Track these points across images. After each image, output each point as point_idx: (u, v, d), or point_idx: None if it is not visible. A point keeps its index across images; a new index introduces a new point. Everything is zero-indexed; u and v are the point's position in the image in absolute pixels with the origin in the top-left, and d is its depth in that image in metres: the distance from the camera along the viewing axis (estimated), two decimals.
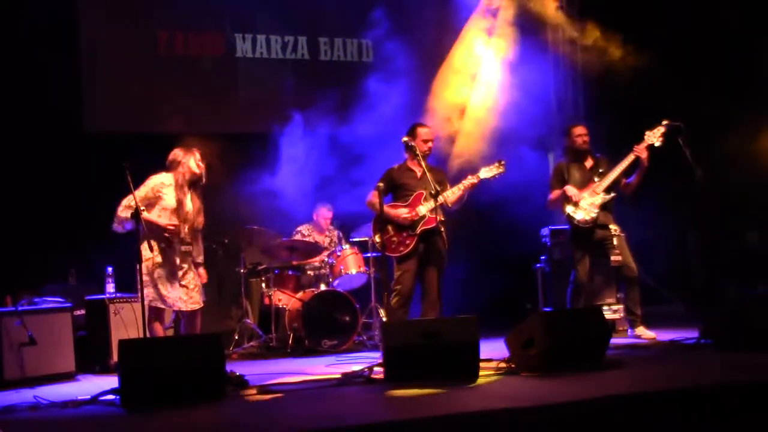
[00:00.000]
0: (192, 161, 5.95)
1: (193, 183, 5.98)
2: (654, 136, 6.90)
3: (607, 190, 7.01)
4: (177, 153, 5.98)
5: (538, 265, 8.23)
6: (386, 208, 6.48)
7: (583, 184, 7.09)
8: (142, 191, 5.82)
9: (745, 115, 8.66)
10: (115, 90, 8.40)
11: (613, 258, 6.95)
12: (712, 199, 6.85)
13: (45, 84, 7.93)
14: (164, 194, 5.86)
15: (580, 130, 7.23)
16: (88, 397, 5.13)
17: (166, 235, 5.81)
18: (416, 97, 8.48)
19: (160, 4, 8.76)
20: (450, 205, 6.50)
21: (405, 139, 6.52)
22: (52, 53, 8.01)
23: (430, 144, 6.59)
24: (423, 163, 6.37)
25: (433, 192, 6.21)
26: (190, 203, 5.93)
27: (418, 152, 6.39)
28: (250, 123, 8.99)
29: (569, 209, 7.05)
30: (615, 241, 6.97)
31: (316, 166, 8.29)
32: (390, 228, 6.49)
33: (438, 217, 6.36)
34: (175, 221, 5.83)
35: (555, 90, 9.52)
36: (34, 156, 7.81)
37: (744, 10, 8.74)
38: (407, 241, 6.47)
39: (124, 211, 5.76)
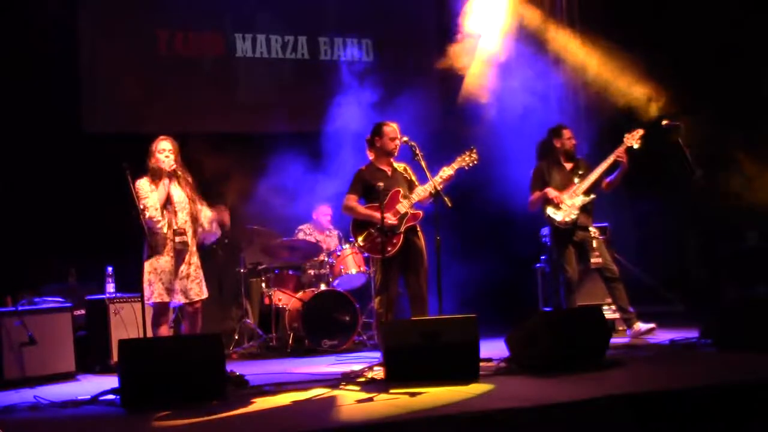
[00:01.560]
0: (157, 154, 5.86)
1: (171, 175, 5.87)
2: (633, 139, 6.96)
3: (587, 192, 7.05)
4: (150, 148, 5.91)
5: (538, 265, 8.23)
6: (367, 211, 6.38)
7: (563, 186, 7.13)
8: (153, 196, 5.80)
9: (745, 116, 8.67)
10: (116, 90, 8.39)
11: (592, 260, 6.98)
12: (711, 198, 6.84)
13: (45, 84, 7.92)
14: (148, 196, 5.83)
15: (569, 133, 7.28)
16: (88, 397, 5.14)
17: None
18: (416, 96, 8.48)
19: (160, 4, 8.76)
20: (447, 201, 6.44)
21: (369, 138, 6.50)
22: (52, 53, 8.00)
23: (397, 142, 6.45)
24: (423, 162, 6.33)
25: (433, 191, 6.20)
26: (179, 194, 5.88)
27: (418, 152, 6.35)
28: (250, 123, 8.99)
29: (549, 210, 7.10)
30: (594, 243, 7.00)
31: (317, 165, 8.29)
32: (372, 229, 6.37)
33: (419, 214, 6.40)
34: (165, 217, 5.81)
35: (555, 89, 9.50)
36: (34, 156, 7.80)
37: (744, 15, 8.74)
38: (394, 240, 6.35)
39: (145, 212, 5.73)
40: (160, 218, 5.77)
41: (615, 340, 6.34)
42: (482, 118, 8.77)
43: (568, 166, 7.22)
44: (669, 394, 4.58)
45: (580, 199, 7.03)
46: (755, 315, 6.00)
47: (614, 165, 7.00)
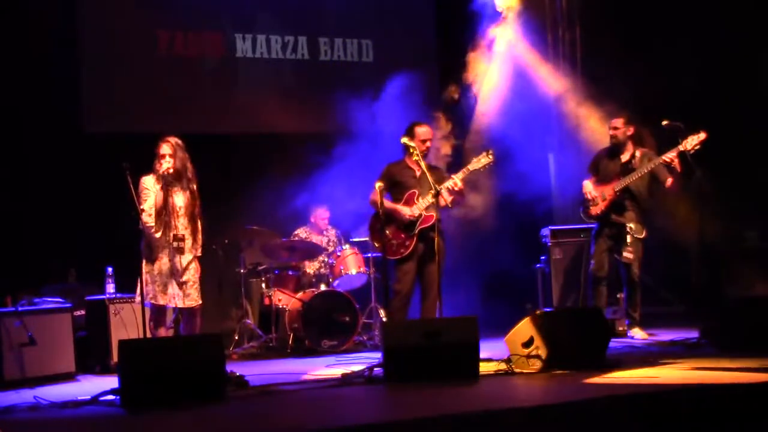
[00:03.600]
0: (160, 159, 5.83)
1: (174, 177, 5.85)
2: (690, 143, 6.67)
3: (625, 190, 6.97)
4: (158, 148, 5.89)
5: (538, 265, 8.23)
6: (389, 205, 6.47)
7: (607, 179, 7.09)
8: (150, 200, 5.80)
9: (744, 114, 8.67)
10: (115, 90, 8.39)
11: (624, 254, 6.90)
12: (711, 198, 6.83)
13: (45, 84, 7.93)
14: (150, 195, 5.83)
15: (614, 123, 7.16)
16: (88, 397, 5.14)
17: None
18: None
19: (160, 4, 8.76)
20: (450, 206, 6.48)
21: (404, 139, 6.49)
22: (52, 53, 8.00)
23: (428, 144, 6.58)
24: (422, 164, 6.35)
25: (434, 192, 6.19)
26: (179, 199, 5.88)
27: (417, 153, 6.35)
28: (249, 123, 8.98)
29: (583, 201, 7.13)
30: (628, 239, 6.90)
31: (316, 166, 8.28)
32: (388, 231, 6.46)
33: (435, 216, 6.39)
34: (155, 220, 5.79)
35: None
36: (33, 156, 7.80)
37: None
38: (407, 243, 6.48)
39: (143, 217, 5.73)
40: (152, 224, 5.77)
41: (615, 340, 6.34)
42: (482, 118, 8.77)
43: (625, 157, 7.09)
44: (669, 394, 4.58)
45: (613, 195, 6.98)
46: (755, 315, 6.01)
47: (667, 167, 6.79)
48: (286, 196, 8.21)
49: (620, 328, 7.29)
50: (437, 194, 6.18)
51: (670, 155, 6.77)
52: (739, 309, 6.23)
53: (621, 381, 5.08)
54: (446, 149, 7.94)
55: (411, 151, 6.39)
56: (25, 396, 5.41)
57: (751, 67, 8.84)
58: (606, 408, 4.38)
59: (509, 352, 5.71)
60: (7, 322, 6.11)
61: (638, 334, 6.95)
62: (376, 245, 6.64)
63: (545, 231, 8.16)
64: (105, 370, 6.62)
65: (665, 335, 6.93)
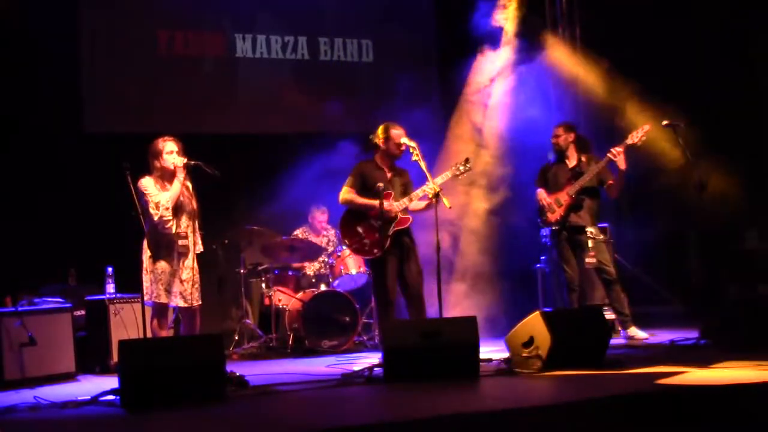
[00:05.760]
0: (165, 155, 5.83)
1: (173, 175, 5.85)
2: (636, 137, 6.84)
3: (580, 193, 6.99)
4: (151, 149, 5.89)
5: (538, 265, 8.22)
6: (364, 201, 6.38)
7: (559, 185, 7.13)
8: (163, 195, 5.78)
9: (744, 112, 8.67)
10: (115, 90, 8.40)
11: (586, 260, 6.90)
12: (711, 198, 6.83)
13: (45, 84, 7.93)
14: (157, 193, 5.82)
15: (555, 131, 7.26)
16: (88, 397, 5.14)
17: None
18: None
19: (160, 4, 8.77)
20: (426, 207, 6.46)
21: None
22: (52, 53, 8.00)
23: (403, 147, 6.42)
24: (422, 164, 6.31)
25: (433, 192, 6.17)
26: (181, 197, 5.87)
27: (417, 153, 6.32)
28: (249, 123, 8.99)
29: (540, 210, 7.15)
30: (590, 243, 6.90)
31: (316, 166, 8.28)
32: (361, 230, 6.40)
33: (410, 219, 6.41)
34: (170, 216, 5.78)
35: (554, 92, 9.50)
36: (34, 156, 7.80)
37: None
38: (380, 243, 6.37)
39: (155, 211, 5.72)
40: (170, 217, 5.75)
41: (615, 341, 6.34)
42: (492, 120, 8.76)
43: (571, 164, 7.17)
44: (669, 394, 4.58)
45: (568, 199, 7.01)
46: (755, 315, 6.01)
47: (614, 165, 6.91)
48: (286, 196, 8.21)
49: (619, 329, 7.29)
50: (437, 195, 6.16)
51: (616, 149, 6.83)
52: (739, 309, 6.23)
53: (621, 381, 5.08)
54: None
55: (411, 151, 6.36)
56: (25, 396, 5.41)
57: (752, 66, 8.84)
58: (606, 408, 4.38)
59: (509, 352, 5.71)
60: (7, 322, 6.11)
61: (636, 333, 6.94)
62: (347, 243, 6.56)
63: (545, 231, 8.15)
64: (105, 370, 6.62)
65: (665, 335, 6.93)
